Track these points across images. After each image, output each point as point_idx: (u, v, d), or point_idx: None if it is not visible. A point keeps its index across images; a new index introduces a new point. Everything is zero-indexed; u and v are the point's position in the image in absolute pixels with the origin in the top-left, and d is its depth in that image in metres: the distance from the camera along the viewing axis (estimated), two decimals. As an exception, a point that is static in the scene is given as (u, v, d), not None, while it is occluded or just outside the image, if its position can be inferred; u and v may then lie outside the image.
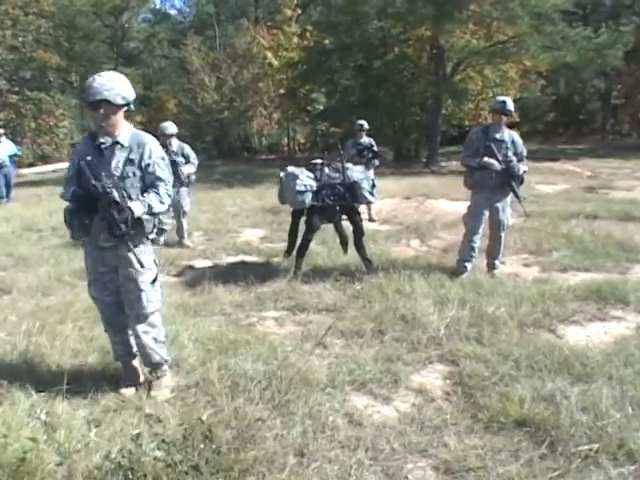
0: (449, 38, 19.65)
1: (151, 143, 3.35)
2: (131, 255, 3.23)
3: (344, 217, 6.37)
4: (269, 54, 25.28)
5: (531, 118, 31.68)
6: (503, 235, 5.86)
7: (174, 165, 7.44)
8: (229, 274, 6.30)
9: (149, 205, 3.25)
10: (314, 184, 5.76)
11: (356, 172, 5.98)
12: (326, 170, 5.92)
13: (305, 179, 5.73)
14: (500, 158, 5.51)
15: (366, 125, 10.08)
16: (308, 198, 5.74)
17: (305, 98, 27.89)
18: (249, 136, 29.86)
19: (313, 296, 5.34)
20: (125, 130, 3.33)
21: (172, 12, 42.19)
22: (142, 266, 3.28)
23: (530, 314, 4.57)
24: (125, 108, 3.30)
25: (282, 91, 27.85)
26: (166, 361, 3.57)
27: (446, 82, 20.46)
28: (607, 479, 2.53)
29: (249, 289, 5.75)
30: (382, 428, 3.00)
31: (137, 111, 32.12)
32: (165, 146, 7.75)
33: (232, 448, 2.59)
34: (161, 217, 3.41)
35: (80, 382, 3.51)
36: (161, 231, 3.46)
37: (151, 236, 3.39)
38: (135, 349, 3.62)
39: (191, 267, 6.89)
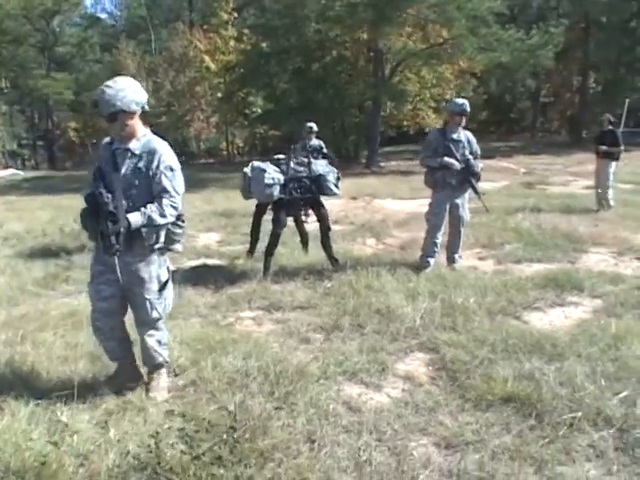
0: (387, 41, 20.17)
1: (162, 152, 3.26)
2: (117, 268, 3.10)
3: (310, 212, 6.49)
4: (206, 58, 25.16)
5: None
6: (463, 230, 6.19)
7: None
8: (196, 277, 6.33)
9: (149, 217, 3.19)
10: (281, 177, 5.88)
11: (320, 165, 6.17)
12: (292, 164, 6.06)
13: (273, 172, 5.85)
14: (459, 157, 5.83)
15: (315, 127, 10.22)
16: (276, 191, 5.85)
17: (243, 102, 27.91)
18: (187, 140, 29.57)
19: (286, 295, 5.48)
20: (140, 136, 3.28)
21: (103, 16, 41.37)
22: (142, 281, 3.31)
23: (496, 303, 4.89)
24: (140, 111, 3.26)
25: (220, 95, 27.76)
26: (167, 362, 3.63)
27: (385, 84, 21.02)
28: (590, 442, 2.83)
29: (219, 291, 5.81)
30: (380, 412, 3.19)
31: (71, 118, 31.32)
32: None
33: (246, 438, 2.70)
34: (171, 227, 3.37)
35: (74, 388, 3.51)
36: (172, 240, 3.44)
37: (157, 246, 3.35)
38: (131, 350, 3.65)
39: (155, 272, 6.87)
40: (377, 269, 5.90)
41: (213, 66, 24.99)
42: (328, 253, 6.36)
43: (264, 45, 25.08)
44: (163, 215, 3.23)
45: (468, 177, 5.88)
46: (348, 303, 5.03)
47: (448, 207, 5.99)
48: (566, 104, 31.63)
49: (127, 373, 3.64)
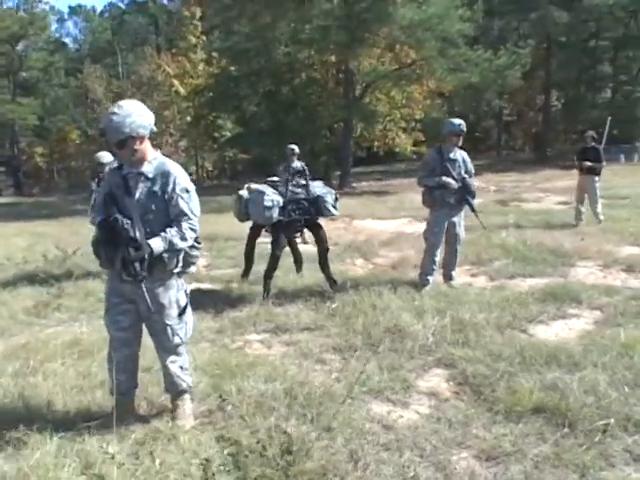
0: (358, 62, 20.56)
1: (176, 174, 3.23)
2: (145, 296, 3.08)
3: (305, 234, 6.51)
4: (175, 82, 25.16)
5: (430, 137, 33.64)
6: (459, 248, 6.32)
7: None
8: (194, 302, 6.21)
9: (170, 242, 3.16)
10: (280, 199, 5.92)
11: (318, 187, 6.24)
12: (289, 186, 6.11)
13: (272, 194, 5.89)
14: (455, 176, 5.97)
15: (297, 149, 10.27)
16: (275, 213, 5.88)
17: (212, 125, 27.93)
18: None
19: (290, 317, 5.49)
20: (151, 159, 3.25)
21: (67, 40, 40.93)
22: (162, 307, 3.27)
23: (502, 317, 5.00)
24: (148, 135, 3.23)
25: (189, 119, 27.73)
26: (190, 388, 3.59)
27: (356, 105, 21.35)
28: (625, 446, 2.93)
29: (220, 315, 5.80)
30: (415, 429, 3.23)
31: (37, 143, 30.80)
32: (99, 175, 7.62)
33: (295, 461, 2.71)
34: (188, 249, 3.32)
35: (96, 419, 3.46)
36: (189, 263, 3.40)
37: (176, 270, 3.31)
38: (134, 388, 3.59)
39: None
40: (377, 288, 5.97)
41: (182, 90, 25.00)
42: (327, 274, 6.39)
43: (233, 68, 25.25)
44: (184, 239, 3.20)
45: (465, 195, 6.03)
46: (356, 323, 5.08)
47: (446, 225, 6.11)
48: (530, 122, 32.60)
49: (124, 411, 3.46)
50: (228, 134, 28.12)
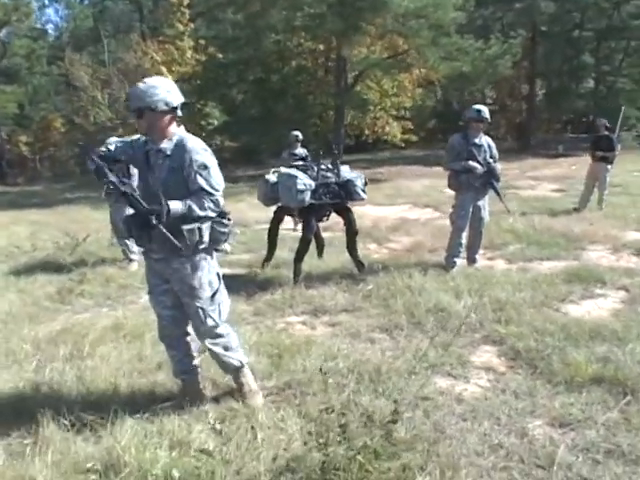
0: (351, 50, 20.60)
1: (193, 150, 3.17)
2: (168, 236, 3.03)
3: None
4: (164, 69, 24.87)
5: (415, 125, 33.95)
6: (483, 231, 6.51)
7: None
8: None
9: (189, 207, 3.13)
10: (312, 183, 5.97)
11: (347, 171, 6.33)
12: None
13: (304, 178, 5.96)
14: (481, 161, 6.15)
15: (301, 136, 10.35)
16: (307, 196, 5.93)
17: (199, 113, 27.72)
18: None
19: (326, 299, 5.61)
20: (172, 137, 3.22)
21: (48, 27, 40.21)
22: (192, 288, 3.28)
23: (534, 297, 5.21)
24: (171, 114, 3.19)
25: (176, 107, 27.48)
26: (243, 363, 3.57)
27: (348, 93, 21.43)
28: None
29: (252, 298, 5.88)
30: (484, 400, 3.42)
31: (20, 132, 30.27)
32: None
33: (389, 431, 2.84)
34: (215, 225, 3.28)
35: (162, 400, 3.52)
36: (218, 240, 3.34)
37: (201, 246, 3.25)
38: (195, 366, 3.61)
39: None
40: (406, 271, 6.15)
41: (170, 78, 24.76)
42: (354, 257, 6.48)
43: (221, 56, 25.08)
44: (203, 208, 3.15)
45: (490, 180, 6.21)
46: (395, 304, 5.23)
47: (471, 209, 6.29)
48: (513, 112, 33.02)
49: (190, 392, 3.57)
50: (216, 122, 27.91)
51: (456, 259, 6.37)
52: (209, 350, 3.48)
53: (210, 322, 3.37)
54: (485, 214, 6.43)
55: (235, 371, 3.57)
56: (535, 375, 3.72)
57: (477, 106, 6.35)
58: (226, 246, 3.49)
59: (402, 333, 4.62)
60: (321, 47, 24.30)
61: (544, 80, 32.83)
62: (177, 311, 3.46)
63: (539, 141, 30.66)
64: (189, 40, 25.18)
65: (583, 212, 9.96)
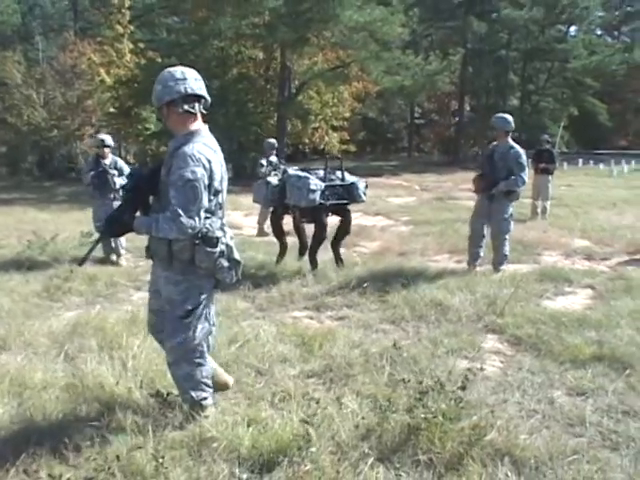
0: (297, 60, 21.08)
1: (181, 156, 2.89)
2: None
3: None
4: (101, 70, 24.40)
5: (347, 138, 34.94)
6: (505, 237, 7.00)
7: (106, 176, 7.71)
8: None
9: (156, 225, 2.90)
10: (322, 184, 6.47)
11: (347, 175, 6.84)
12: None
13: (315, 179, 6.42)
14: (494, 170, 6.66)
15: (276, 144, 10.80)
16: (318, 196, 6.40)
17: (136, 117, 27.30)
18: (75, 156, 28.27)
19: (325, 296, 5.97)
20: (179, 135, 3.04)
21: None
22: (169, 300, 3.13)
23: (517, 293, 5.78)
24: (186, 109, 2.99)
25: (111, 109, 26.93)
26: (202, 406, 3.20)
27: (291, 102, 21.88)
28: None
29: (251, 295, 6.08)
30: (505, 376, 3.92)
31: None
32: (100, 158, 7.80)
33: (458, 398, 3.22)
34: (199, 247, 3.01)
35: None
36: (202, 261, 3.03)
37: (192, 267, 3.05)
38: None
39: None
40: (391, 270, 6.64)
41: (108, 80, 24.29)
42: (336, 253, 7.04)
43: (159, 60, 24.87)
44: (170, 229, 2.88)
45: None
46: (393, 299, 5.68)
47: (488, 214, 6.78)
48: (440, 126, 34.66)
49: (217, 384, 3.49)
50: (153, 127, 27.54)
51: (475, 262, 6.97)
52: (169, 369, 3.28)
53: (175, 340, 3.13)
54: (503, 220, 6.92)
55: (191, 406, 3.21)
56: (541, 356, 4.27)
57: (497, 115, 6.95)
58: (228, 275, 3.17)
59: (409, 324, 5.08)
60: (261, 55, 24.63)
61: (473, 97, 34.72)
62: (157, 318, 3.36)
63: (465, 156, 32.32)
64: (128, 43, 24.85)
65: (535, 221, 10.88)
